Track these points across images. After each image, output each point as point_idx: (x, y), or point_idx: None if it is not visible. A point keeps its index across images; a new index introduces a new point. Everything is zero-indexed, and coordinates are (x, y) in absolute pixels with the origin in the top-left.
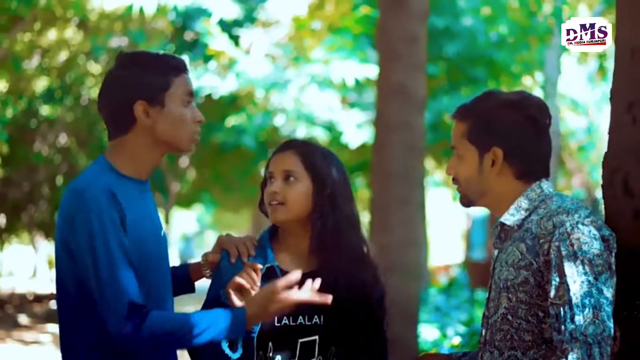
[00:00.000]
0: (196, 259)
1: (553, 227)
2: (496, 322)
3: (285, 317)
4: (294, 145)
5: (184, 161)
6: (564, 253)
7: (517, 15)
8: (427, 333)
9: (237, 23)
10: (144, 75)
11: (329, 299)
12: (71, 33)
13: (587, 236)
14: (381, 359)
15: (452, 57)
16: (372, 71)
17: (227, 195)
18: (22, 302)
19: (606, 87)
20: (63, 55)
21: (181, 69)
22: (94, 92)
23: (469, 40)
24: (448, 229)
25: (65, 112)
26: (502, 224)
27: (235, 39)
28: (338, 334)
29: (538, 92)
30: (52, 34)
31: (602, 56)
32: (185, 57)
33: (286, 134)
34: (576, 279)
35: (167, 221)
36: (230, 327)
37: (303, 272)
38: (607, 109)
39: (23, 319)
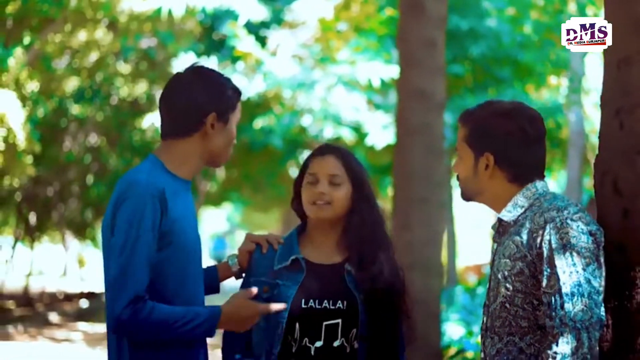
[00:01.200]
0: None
1: (544, 222)
2: (495, 310)
3: (311, 301)
4: (333, 150)
5: None
6: (554, 246)
7: (541, 15)
8: (453, 331)
9: (264, 24)
10: (222, 91)
11: (281, 306)
12: (101, 34)
13: (576, 231)
14: (398, 344)
15: (477, 58)
16: (396, 72)
17: (256, 195)
18: (53, 301)
19: None
20: (93, 56)
21: (241, 95)
22: (124, 92)
23: (494, 41)
24: (476, 229)
25: (95, 112)
26: (500, 220)
27: (262, 41)
28: (360, 318)
29: (563, 91)
30: (82, 35)
31: None
32: (213, 58)
33: (313, 134)
34: (565, 269)
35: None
36: (208, 320)
37: (330, 264)
38: None
39: (54, 317)
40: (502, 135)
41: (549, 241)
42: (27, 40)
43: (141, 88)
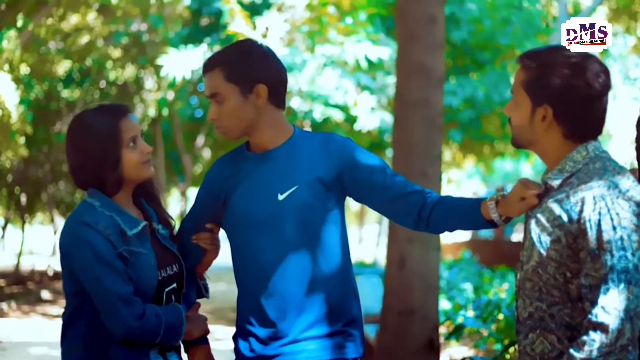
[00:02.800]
0: None
1: (593, 199)
2: (527, 271)
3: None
4: None
5: (199, 141)
6: (603, 227)
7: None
8: (441, 305)
9: (254, 7)
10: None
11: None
12: (92, 18)
13: (627, 211)
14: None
15: (458, 43)
16: (384, 53)
17: None
18: (43, 279)
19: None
20: (84, 39)
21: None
22: (113, 75)
23: (474, 26)
24: None
25: (85, 94)
26: (545, 182)
27: (252, 22)
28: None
29: None
30: (74, 19)
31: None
32: (203, 46)
33: (302, 115)
34: (614, 253)
35: (185, 200)
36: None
37: None
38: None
39: (45, 294)
40: (565, 88)
41: (598, 222)
42: (20, 23)
43: (130, 72)
